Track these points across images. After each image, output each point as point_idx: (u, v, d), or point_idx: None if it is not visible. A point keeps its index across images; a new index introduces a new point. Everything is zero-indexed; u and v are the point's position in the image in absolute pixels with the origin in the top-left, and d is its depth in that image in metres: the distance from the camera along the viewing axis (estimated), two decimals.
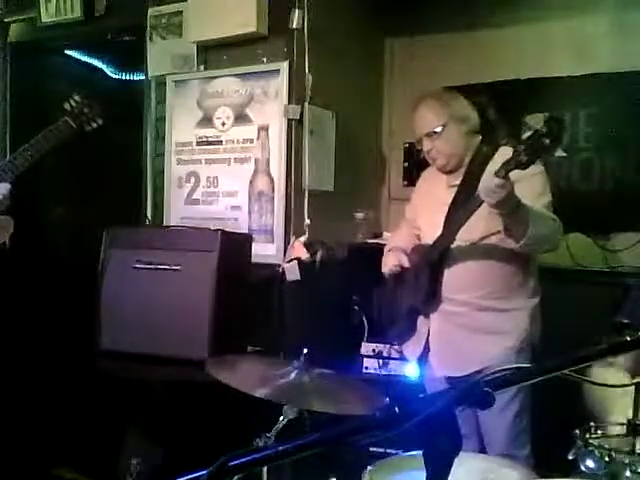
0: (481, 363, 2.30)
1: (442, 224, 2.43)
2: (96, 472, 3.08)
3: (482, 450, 2.44)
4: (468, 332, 2.43)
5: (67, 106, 2.73)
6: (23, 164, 2.62)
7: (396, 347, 2.98)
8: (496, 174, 2.07)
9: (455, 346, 2.44)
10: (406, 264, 2.53)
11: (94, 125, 2.77)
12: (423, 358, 2.55)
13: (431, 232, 2.49)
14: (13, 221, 2.65)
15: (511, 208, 2.16)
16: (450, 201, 2.46)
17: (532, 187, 2.32)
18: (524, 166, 2.04)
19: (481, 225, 2.30)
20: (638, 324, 1.91)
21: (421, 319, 2.55)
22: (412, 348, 2.60)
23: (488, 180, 2.11)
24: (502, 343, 2.39)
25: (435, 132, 2.45)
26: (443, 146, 2.46)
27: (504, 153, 2.40)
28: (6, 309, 3.47)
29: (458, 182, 2.48)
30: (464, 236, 2.35)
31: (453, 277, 2.43)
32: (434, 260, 2.43)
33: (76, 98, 2.74)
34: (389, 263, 2.58)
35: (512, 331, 2.40)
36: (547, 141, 1.99)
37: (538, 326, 2.47)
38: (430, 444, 0.87)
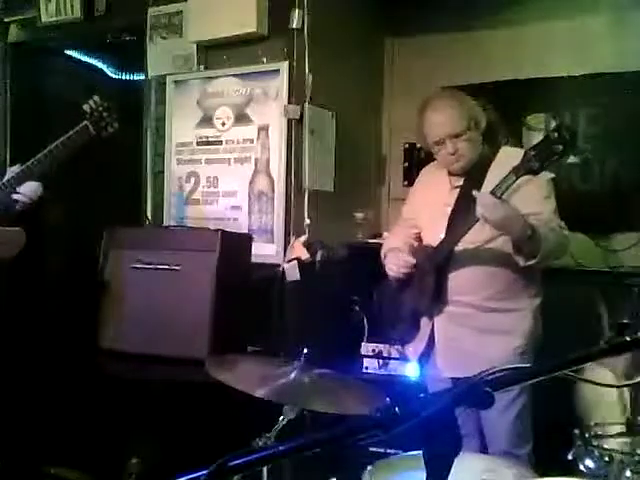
0: (488, 364, 2.28)
1: (445, 226, 2.41)
2: (96, 472, 3.08)
3: (483, 450, 2.44)
4: (474, 333, 2.41)
5: (87, 108, 2.64)
6: (41, 171, 2.57)
7: (397, 347, 2.98)
8: (492, 193, 2.08)
9: (462, 348, 2.42)
10: (413, 261, 2.46)
11: (110, 130, 2.69)
12: (424, 358, 2.54)
13: (433, 234, 2.47)
14: (25, 234, 2.60)
15: (520, 232, 2.14)
16: (453, 202, 2.43)
17: (540, 189, 2.31)
18: (535, 172, 2.03)
19: (487, 228, 2.27)
20: (638, 324, 1.91)
21: (424, 319, 2.53)
22: (414, 348, 2.58)
23: (484, 197, 2.11)
24: (508, 343, 2.38)
25: (462, 134, 2.35)
26: (468, 149, 2.37)
27: (505, 153, 2.40)
28: (6, 309, 3.46)
29: (461, 183, 2.44)
30: (470, 239, 2.32)
31: (459, 280, 2.40)
32: (438, 264, 2.41)
33: (95, 99, 2.67)
34: (394, 265, 2.50)
35: (517, 331, 2.39)
36: (558, 147, 1.98)
37: (540, 325, 2.46)
38: (430, 444, 0.87)
